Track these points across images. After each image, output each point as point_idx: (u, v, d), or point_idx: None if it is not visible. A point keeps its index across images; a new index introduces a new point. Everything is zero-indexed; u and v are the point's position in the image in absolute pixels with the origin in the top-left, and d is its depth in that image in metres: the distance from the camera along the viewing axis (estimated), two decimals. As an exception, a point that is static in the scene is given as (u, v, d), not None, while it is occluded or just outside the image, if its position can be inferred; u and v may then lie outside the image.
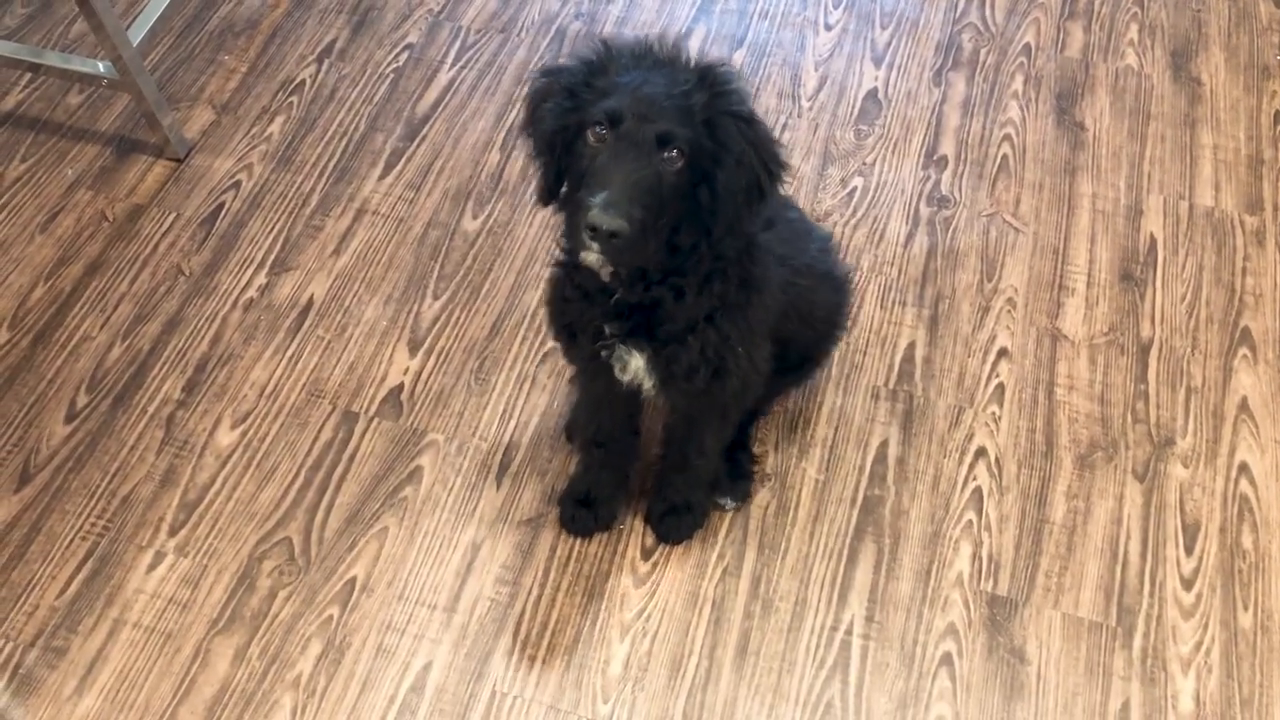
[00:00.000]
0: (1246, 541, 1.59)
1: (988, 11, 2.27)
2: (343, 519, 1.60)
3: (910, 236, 1.91)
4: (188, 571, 1.55)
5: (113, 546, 1.57)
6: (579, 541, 1.57)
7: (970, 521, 1.60)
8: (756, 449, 1.66)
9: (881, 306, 1.82)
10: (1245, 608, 1.53)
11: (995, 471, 1.65)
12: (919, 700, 1.46)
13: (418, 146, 2.03)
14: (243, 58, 2.17)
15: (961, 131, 2.06)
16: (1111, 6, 2.28)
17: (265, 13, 2.25)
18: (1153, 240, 1.92)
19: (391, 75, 2.14)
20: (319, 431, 1.68)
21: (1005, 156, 2.03)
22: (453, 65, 2.16)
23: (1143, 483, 1.64)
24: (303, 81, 2.13)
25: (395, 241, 1.90)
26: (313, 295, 1.83)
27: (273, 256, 1.88)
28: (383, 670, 1.47)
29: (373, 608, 1.52)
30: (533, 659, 1.48)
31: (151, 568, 1.55)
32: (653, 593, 1.53)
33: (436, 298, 1.83)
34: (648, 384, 1.31)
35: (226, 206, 1.95)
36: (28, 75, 2.13)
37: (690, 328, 1.23)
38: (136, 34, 1.90)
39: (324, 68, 2.16)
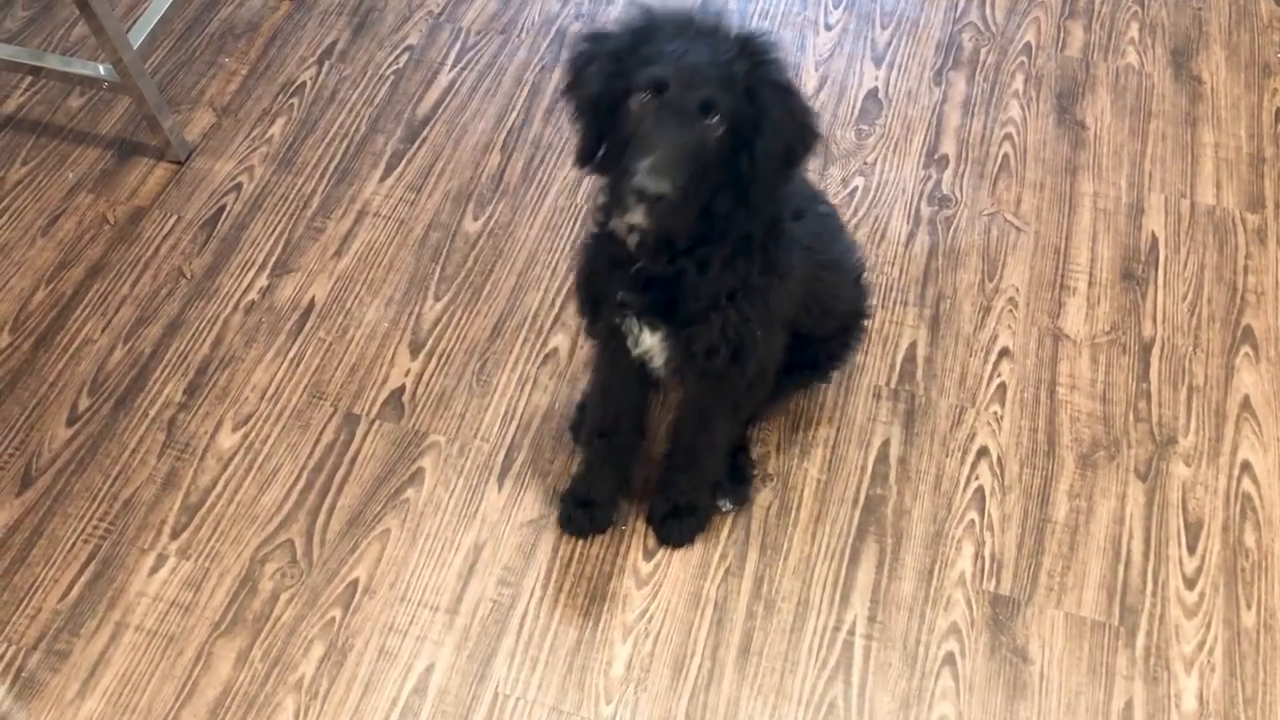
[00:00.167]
0: (1249, 540, 1.59)
1: (988, 11, 2.27)
2: (344, 521, 1.60)
3: (911, 236, 1.91)
4: (190, 574, 1.55)
5: (115, 549, 1.57)
6: (581, 543, 1.57)
7: (972, 521, 1.60)
8: (758, 450, 1.65)
9: (883, 306, 1.82)
10: (1248, 606, 1.53)
11: (997, 471, 1.65)
12: (922, 700, 1.45)
13: (418, 148, 2.03)
14: (243, 60, 2.17)
15: (962, 131, 2.06)
16: (1112, 5, 2.28)
17: (266, 15, 2.25)
18: (1154, 239, 1.91)
19: (392, 77, 2.14)
20: (320, 434, 1.68)
21: (1006, 156, 2.03)
22: (453, 67, 2.16)
23: (1145, 482, 1.64)
24: (303, 83, 2.13)
25: (396, 243, 1.90)
26: (314, 297, 1.83)
27: (274, 259, 1.88)
28: (385, 672, 1.47)
29: (375, 610, 1.52)
30: (535, 660, 1.48)
31: (153, 571, 1.55)
32: (655, 593, 1.53)
33: (438, 299, 1.83)
34: (658, 361, 1.32)
35: (228, 209, 1.95)
36: (28, 78, 2.13)
37: (711, 307, 1.24)
38: (137, 37, 1.90)
39: (324, 70, 2.16)
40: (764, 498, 1.62)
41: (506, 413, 1.70)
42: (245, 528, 1.59)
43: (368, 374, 1.74)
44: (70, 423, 1.69)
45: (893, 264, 1.87)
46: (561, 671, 1.47)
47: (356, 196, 1.96)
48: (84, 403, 1.71)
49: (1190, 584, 1.55)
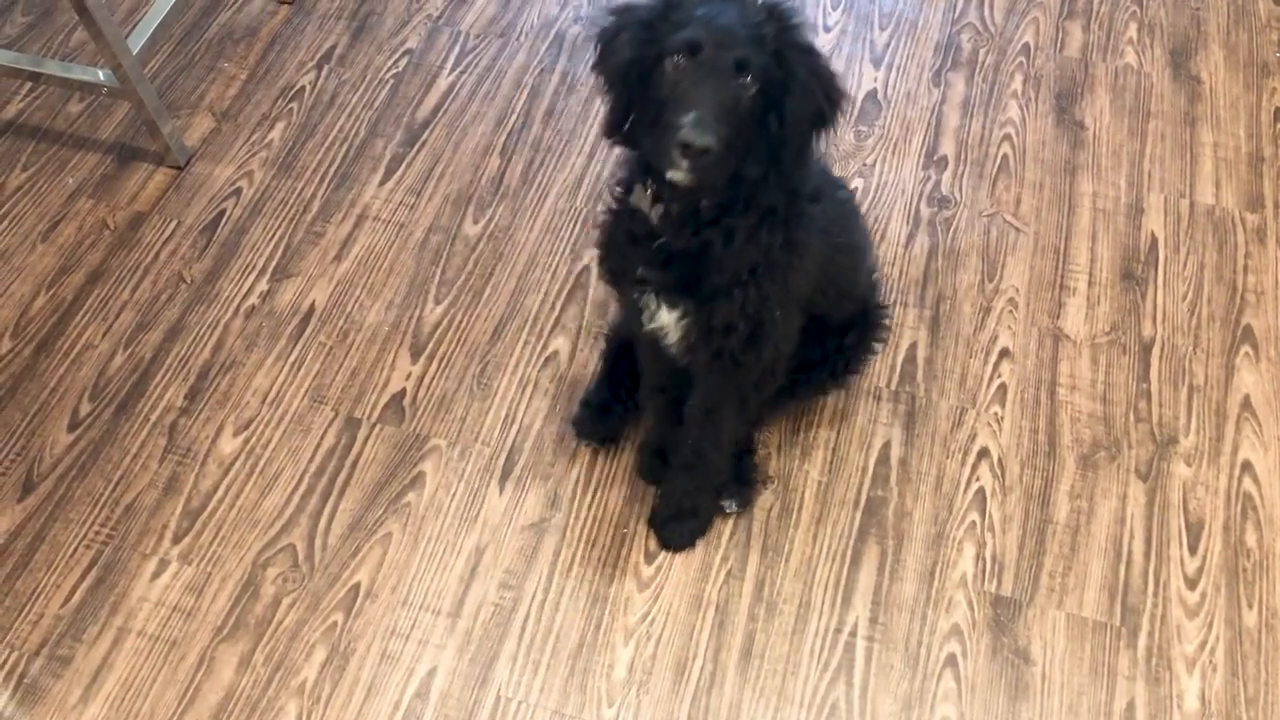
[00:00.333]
0: (1250, 540, 1.59)
1: (986, 12, 2.27)
2: (346, 525, 1.60)
3: (911, 237, 1.91)
4: (192, 579, 1.55)
5: (117, 554, 1.57)
6: (582, 546, 1.57)
7: (973, 522, 1.60)
8: (759, 452, 1.65)
9: (882, 307, 1.81)
10: (1250, 606, 1.53)
11: (998, 472, 1.65)
12: (924, 701, 1.45)
13: (418, 152, 2.03)
14: (242, 65, 2.18)
15: (961, 132, 2.06)
16: (1110, 5, 2.28)
17: (264, 20, 2.25)
18: (1154, 239, 1.91)
19: (391, 81, 2.15)
20: (321, 438, 1.68)
21: (1005, 156, 2.03)
22: (452, 70, 2.16)
23: (1146, 482, 1.64)
24: (303, 88, 2.14)
25: (396, 247, 1.90)
26: (314, 301, 1.83)
27: (274, 263, 1.88)
28: (387, 676, 1.47)
29: (377, 614, 1.52)
30: (537, 664, 1.48)
31: (155, 575, 1.55)
32: (656, 596, 1.53)
33: (438, 303, 1.83)
34: (672, 338, 1.33)
35: (227, 213, 1.95)
36: (28, 84, 2.13)
37: (733, 282, 1.26)
38: (136, 42, 1.90)
39: (324, 74, 2.16)
40: (765, 500, 1.62)
41: (507, 416, 1.70)
42: (247, 532, 1.59)
43: (368, 378, 1.75)
44: (71, 428, 1.69)
45: (892, 265, 1.87)
46: (564, 675, 1.47)
47: (356, 200, 1.97)
48: (85, 408, 1.71)
49: (1191, 584, 1.55)
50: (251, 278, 1.86)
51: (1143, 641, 1.50)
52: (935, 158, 2.03)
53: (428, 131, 2.06)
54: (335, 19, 2.25)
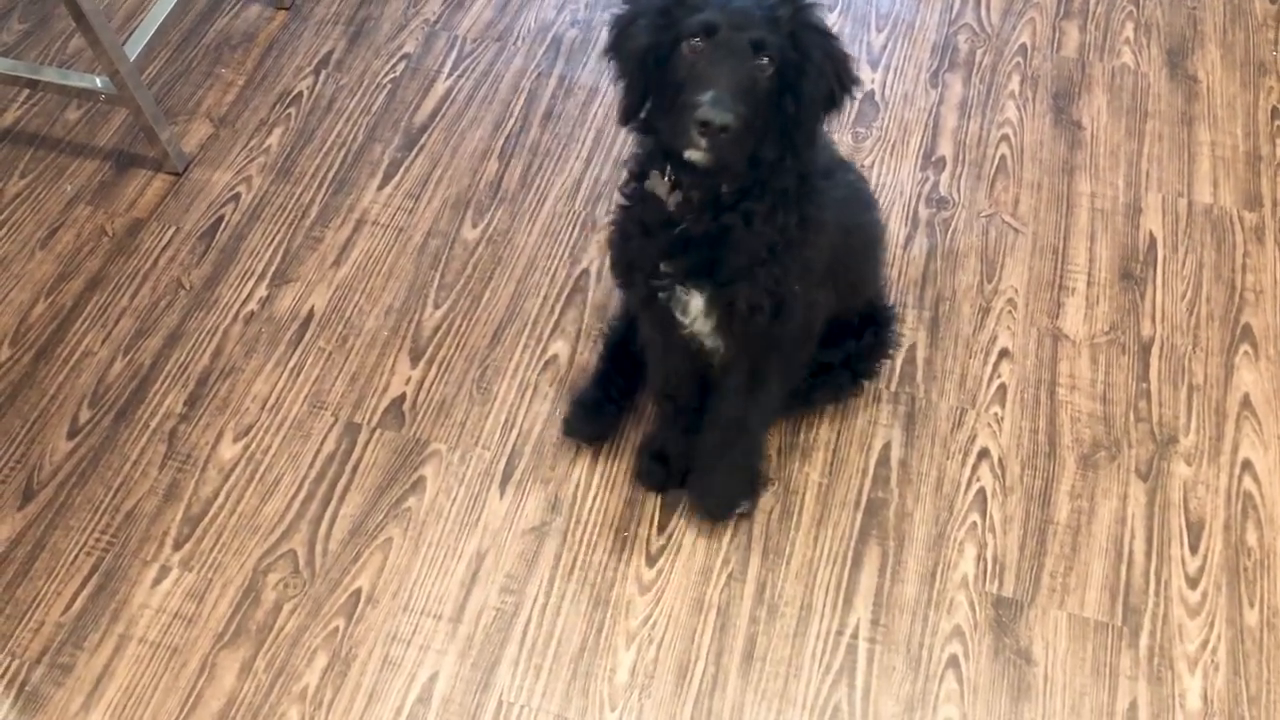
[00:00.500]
0: (1251, 539, 1.59)
1: (983, 12, 2.27)
2: (347, 530, 1.60)
3: (909, 238, 1.91)
4: (192, 586, 1.55)
5: (117, 562, 1.57)
6: (583, 549, 1.57)
7: (974, 523, 1.60)
8: (759, 454, 1.66)
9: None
10: (1251, 605, 1.53)
11: (998, 472, 1.65)
12: (926, 703, 1.45)
13: (416, 156, 2.03)
14: (240, 70, 2.18)
15: (959, 132, 2.07)
16: (1107, 5, 2.28)
17: (262, 25, 2.25)
18: (1152, 238, 1.92)
19: (389, 85, 2.15)
20: (321, 443, 1.68)
21: (1003, 157, 2.03)
22: (450, 74, 2.16)
23: (1146, 481, 1.64)
24: (300, 93, 2.14)
25: (395, 251, 1.90)
26: (313, 307, 1.83)
27: (273, 269, 1.88)
28: (389, 682, 1.47)
29: (378, 619, 1.52)
30: (539, 668, 1.48)
31: (156, 582, 1.55)
32: (658, 599, 1.53)
33: (437, 307, 1.83)
34: (706, 328, 1.34)
35: (226, 219, 1.95)
36: (25, 91, 2.13)
37: (753, 263, 1.27)
38: (133, 48, 1.90)
39: (321, 79, 2.16)
40: (766, 502, 1.62)
41: (507, 420, 1.70)
42: (247, 538, 1.59)
43: (368, 383, 1.75)
44: (71, 435, 1.69)
45: (891, 266, 1.87)
46: (565, 679, 1.47)
47: (355, 205, 1.97)
48: (85, 415, 1.71)
49: (1193, 583, 1.55)
50: (250, 283, 1.86)
51: (1144, 641, 1.50)
52: (933, 159, 2.03)
53: (425, 136, 2.06)
54: (332, 24, 2.25)
